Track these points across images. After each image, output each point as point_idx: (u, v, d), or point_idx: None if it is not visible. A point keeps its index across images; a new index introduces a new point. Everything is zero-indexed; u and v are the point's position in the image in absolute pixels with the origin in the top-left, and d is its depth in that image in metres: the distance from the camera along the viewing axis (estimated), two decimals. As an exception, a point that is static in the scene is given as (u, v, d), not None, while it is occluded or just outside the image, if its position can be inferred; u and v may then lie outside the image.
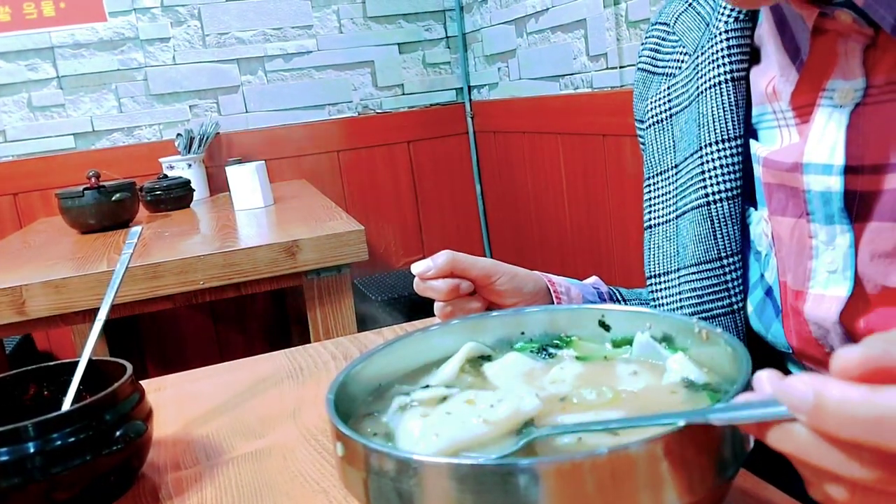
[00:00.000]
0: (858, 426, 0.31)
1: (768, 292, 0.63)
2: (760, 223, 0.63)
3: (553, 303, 0.71)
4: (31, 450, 0.57)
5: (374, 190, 2.80)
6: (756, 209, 0.64)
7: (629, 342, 0.54)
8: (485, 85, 2.71)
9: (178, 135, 2.51)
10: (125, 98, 2.55)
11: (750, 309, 0.65)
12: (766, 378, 0.36)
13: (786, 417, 0.34)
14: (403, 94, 2.80)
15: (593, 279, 0.80)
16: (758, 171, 0.62)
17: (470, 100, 2.83)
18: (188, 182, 2.26)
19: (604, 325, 0.56)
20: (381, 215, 2.81)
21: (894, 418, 0.31)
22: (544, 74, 2.24)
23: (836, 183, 0.54)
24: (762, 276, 0.64)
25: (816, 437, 0.33)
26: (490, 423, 0.44)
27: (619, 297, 0.80)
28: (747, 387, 0.40)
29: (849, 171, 0.53)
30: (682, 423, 0.37)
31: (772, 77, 0.61)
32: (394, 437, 0.46)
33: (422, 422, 0.45)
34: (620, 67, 1.83)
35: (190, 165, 2.42)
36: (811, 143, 0.55)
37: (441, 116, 2.84)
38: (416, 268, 0.66)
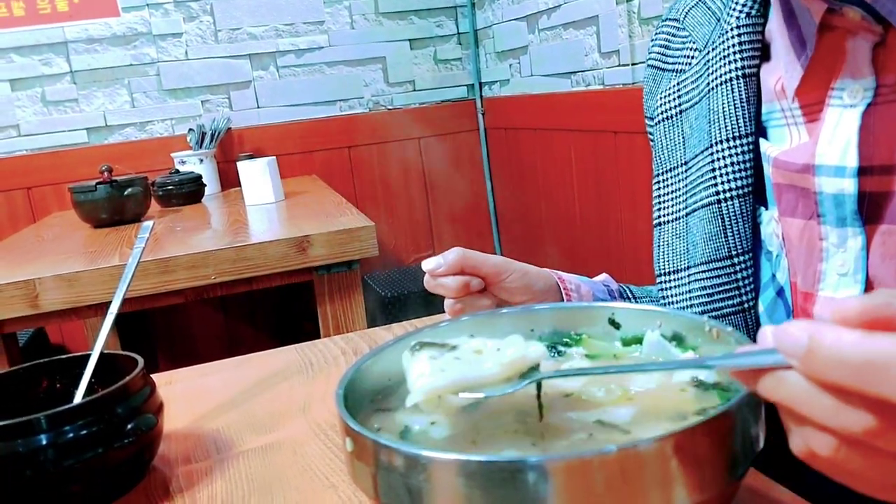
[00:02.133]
0: (847, 369, 0.31)
1: (780, 293, 0.63)
2: (771, 223, 0.62)
3: (563, 300, 0.71)
4: (44, 442, 0.57)
5: (384, 186, 2.81)
6: (766, 209, 0.63)
7: (639, 341, 0.54)
8: (496, 81, 2.70)
9: (190, 130, 2.52)
10: (138, 93, 2.56)
11: (761, 309, 0.64)
12: (770, 330, 0.36)
13: (780, 365, 0.34)
14: (414, 90, 2.80)
15: (603, 276, 0.80)
16: (768, 170, 0.61)
17: (481, 96, 2.83)
18: (200, 177, 2.27)
19: (614, 324, 0.56)
20: (391, 211, 2.82)
21: (884, 363, 0.30)
22: (556, 71, 2.23)
23: (849, 185, 0.53)
24: (773, 276, 0.63)
25: (807, 384, 0.33)
26: (496, 365, 0.45)
27: (629, 294, 0.80)
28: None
29: (859, 172, 0.53)
30: (686, 367, 0.37)
31: (780, 74, 0.60)
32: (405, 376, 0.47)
33: (430, 362, 0.46)
34: (632, 64, 1.83)
35: (201, 160, 2.42)
36: (822, 144, 0.54)
37: (452, 113, 2.83)
38: (427, 265, 0.66)
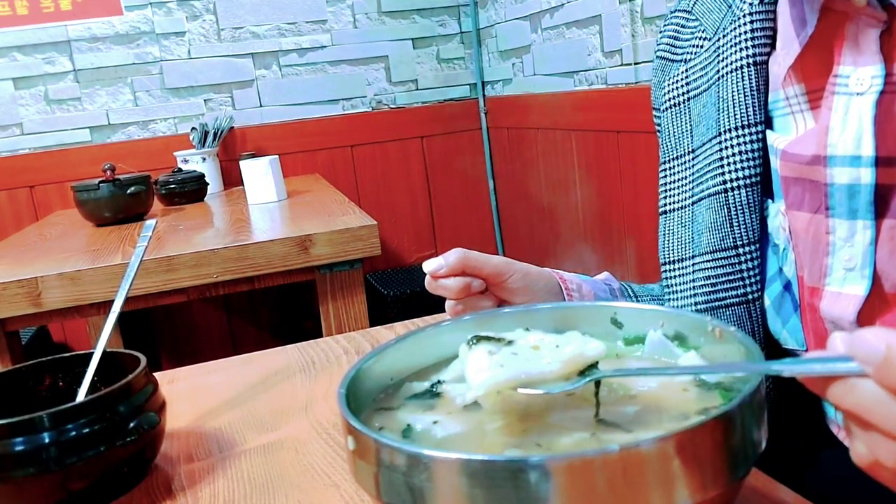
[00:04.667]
0: None
1: (787, 286, 0.62)
2: (778, 216, 0.62)
3: (565, 300, 0.71)
4: (46, 440, 0.57)
5: (387, 185, 2.81)
6: (774, 201, 0.63)
7: (641, 340, 0.54)
8: (499, 81, 2.70)
9: (193, 129, 2.52)
10: (140, 92, 2.57)
11: (767, 302, 0.64)
12: (840, 337, 0.36)
13: (853, 373, 0.34)
14: (417, 89, 2.80)
15: (605, 275, 0.80)
16: (775, 163, 0.61)
17: (484, 95, 2.83)
18: (202, 176, 2.27)
19: (616, 323, 0.56)
20: (393, 210, 2.82)
21: None
22: (559, 70, 2.23)
23: (866, 175, 0.52)
24: (781, 269, 0.63)
25: (881, 392, 0.33)
26: (555, 361, 0.45)
27: (630, 293, 0.80)
28: (760, 385, 0.40)
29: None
30: (748, 373, 0.38)
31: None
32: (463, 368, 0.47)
33: (488, 357, 0.46)
34: (635, 64, 1.83)
35: (204, 159, 2.43)
36: (833, 134, 0.53)
37: (455, 112, 2.83)
38: (428, 266, 0.66)
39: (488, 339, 0.47)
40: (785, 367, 0.37)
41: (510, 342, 0.47)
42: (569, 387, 0.44)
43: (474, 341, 0.47)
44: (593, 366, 0.46)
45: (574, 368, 0.45)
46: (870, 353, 0.33)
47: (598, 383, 0.46)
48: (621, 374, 0.47)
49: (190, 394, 0.84)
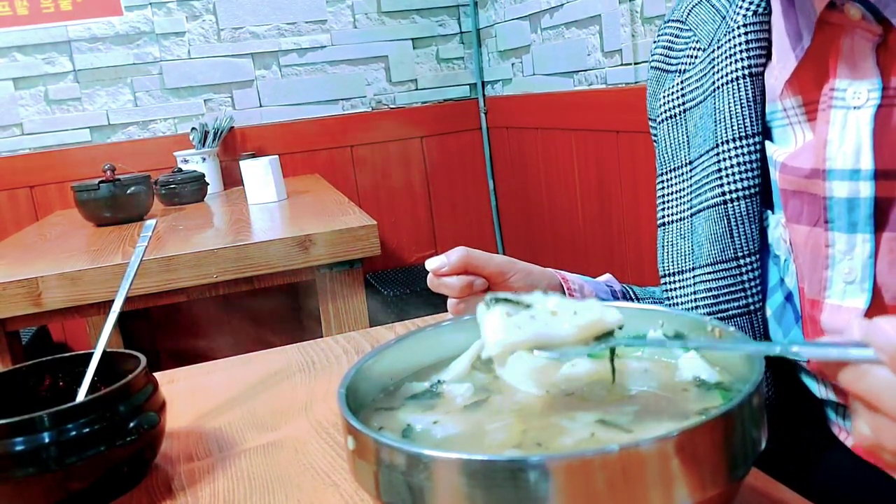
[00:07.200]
0: None
1: (788, 297, 0.62)
2: (778, 227, 0.61)
3: (566, 300, 0.71)
4: (46, 440, 0.58)
5: (387, 185, 2.81)
6: (773, 212, 0.63)
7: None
8: (498, 80, 2.70)
9: (193, 129, 2.52)
10: (140, 92, 2.57)
11: (769, 313, 0.64)
12: (857, 324, 0.36)
13: (868, 360, 0.35)
14: (417, 89, 2.80)
15: (606, 277, 0.80)
16: (774, 174, 0.61)
17: (483, 95, 2.83)
18: (202, 176, 2.27)
19: (616, 323, 0.56)
20: (393, 210, 2.82)
21: None
22: (558, 70, 2.23)
23: (866, 188, 0.52)
24: (782, 280, 0.62)
25: (893, 379, 0.34)
26: (572, 326, 0.45)
27: (632, 295, 0.80)
28: (759, 385, 0.40)
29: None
30: (771, 352, 0.38)
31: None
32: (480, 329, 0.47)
33: (506, 318, 0.46)
34: (635, 63, 1.83)
35: (204, 159, 2.43)
36: (832, 148, 0.54)
37: (454, 112, 2.83)
38: (431, 264, 0.66)
39: (507, 301, 0.47)
40: (802, 350, 0.38)
41: (528, 305, 0.47)
42: (584, 351, 0.45)
43: (493, 302, 0.47)
44: (609, 334, 0.46)
45: (590, 334, 0.45)
46: (886, 342, 0.34)
47: (612, 351, 0.46)
48: (637, 344, 0.47)
49: (190, 394, 0.84)
